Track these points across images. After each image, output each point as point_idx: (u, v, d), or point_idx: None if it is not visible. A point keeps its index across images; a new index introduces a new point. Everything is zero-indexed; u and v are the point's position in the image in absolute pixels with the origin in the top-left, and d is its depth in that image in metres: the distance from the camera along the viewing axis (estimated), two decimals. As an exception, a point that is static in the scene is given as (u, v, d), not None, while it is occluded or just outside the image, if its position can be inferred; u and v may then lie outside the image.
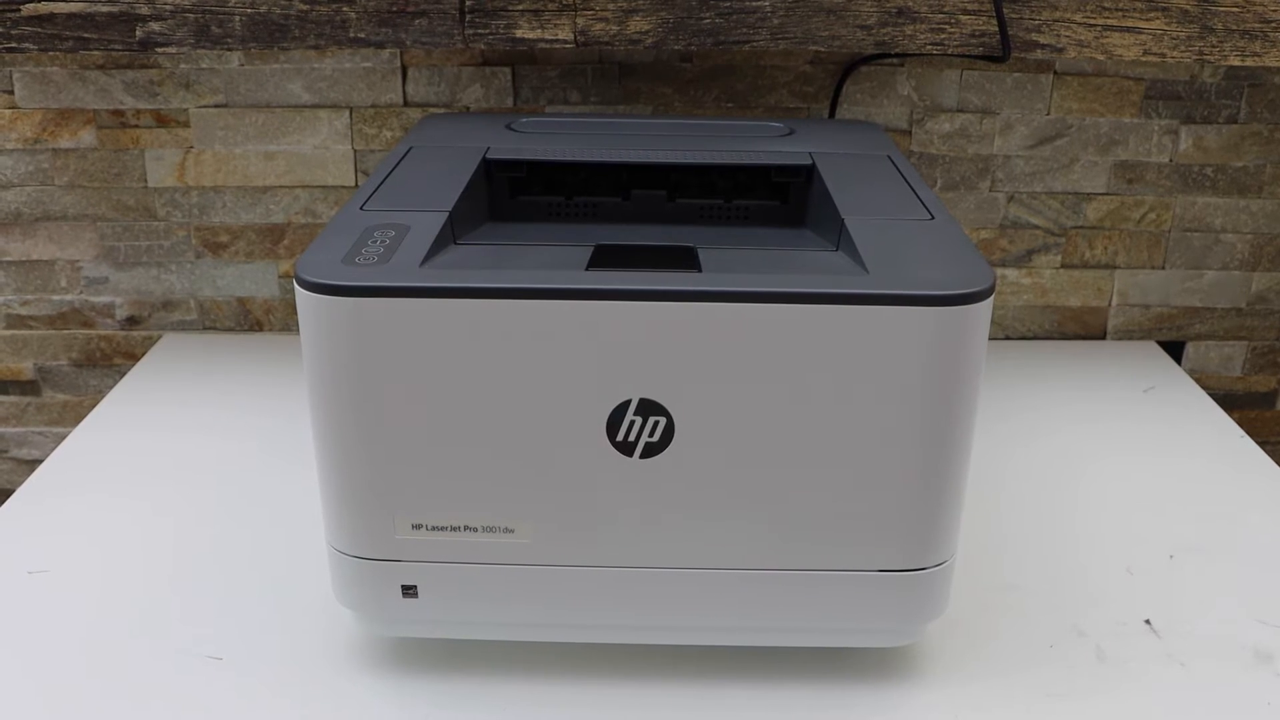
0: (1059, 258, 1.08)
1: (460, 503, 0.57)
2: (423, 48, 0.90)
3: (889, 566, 0.59)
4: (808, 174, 0.70)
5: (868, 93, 1.01)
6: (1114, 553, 0.76)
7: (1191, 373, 1.12)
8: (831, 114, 1.01)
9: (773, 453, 0.56)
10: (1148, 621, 0.69)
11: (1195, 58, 0.90)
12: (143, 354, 1.06)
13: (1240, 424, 0.96)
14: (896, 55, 0.98)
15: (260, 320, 1.10)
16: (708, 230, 0.70)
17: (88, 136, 1.01)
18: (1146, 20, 0.88)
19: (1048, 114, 1.02)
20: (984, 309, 0.53)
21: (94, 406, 0.95)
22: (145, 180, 1.03)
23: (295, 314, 1.06)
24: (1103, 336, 1.11)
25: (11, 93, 1.00)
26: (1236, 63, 0.90)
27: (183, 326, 1.09)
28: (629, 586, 0.59)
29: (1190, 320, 1.11)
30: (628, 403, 0.54)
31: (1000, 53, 0.89)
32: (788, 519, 0.57)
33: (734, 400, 0.54)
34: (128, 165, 1.02)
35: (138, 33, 0.87)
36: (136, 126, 1.01)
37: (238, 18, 0.87)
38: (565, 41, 0.88)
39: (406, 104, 1.01)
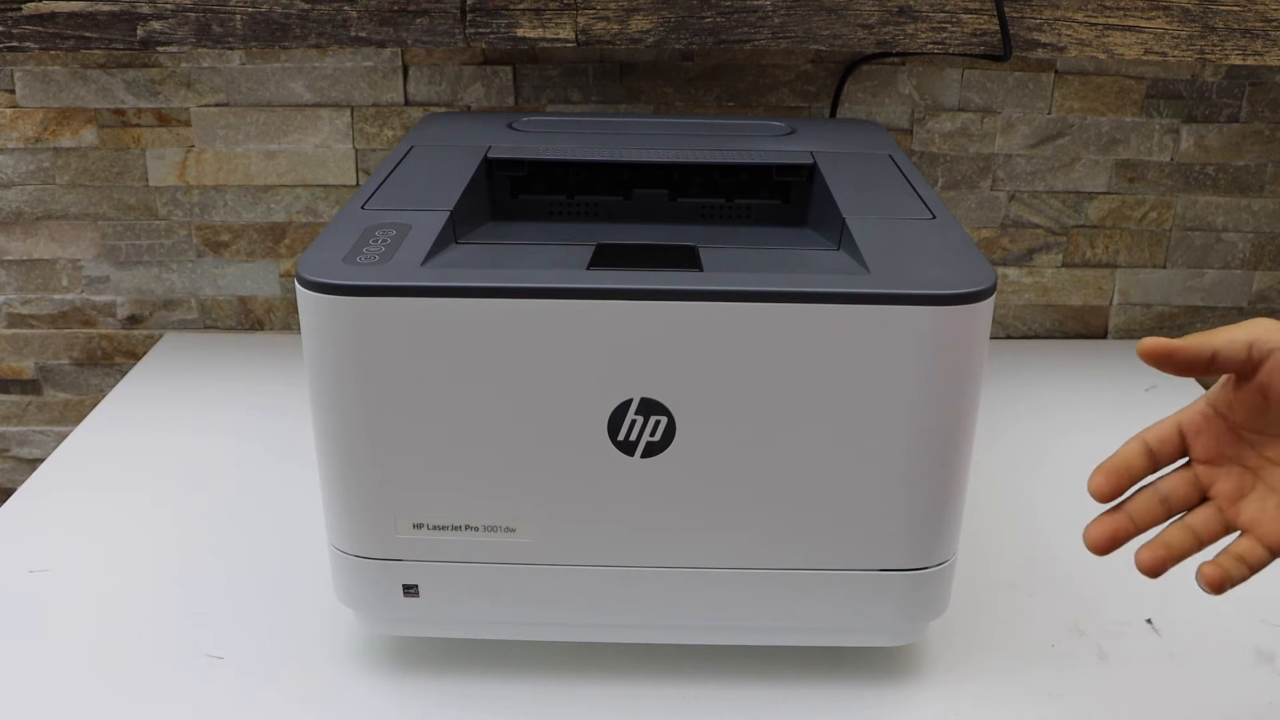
0: (1060, 257, 1.08)
1: (461, 502, 0.57)
2: (424, 47, 0.90)
3: (890, 566, 0.59)
4: (809, 173, 0.70)
5: (869, 92, 1.01)
6: (1115, 552, 0.76)
7: (1193, 372, 1.11)
8: (833, 113, 1.01)
9: (773, 452, 0.56)
10: (1149, 621, 0.69)
11: (1196, 57, 0.90)
12: (144, 353, 1.06)
13: (1241, 423, 0.95)
14: (898, 54, 0.98)
15: (261, 319, 1.10)
16: (709, 229, 0.70)
17: (89, 135, 1.01)
18: (1148, 19, 0.88)
19: (1049, 113, 1.02)
20: (985, 308, 0.53)
21: (95, 405, 0.95)
22: (146, 179, 1.03)
23: (296, 313, 1.06)
24: (1104, 335, 1.11)
25: (13, 92, 1.00)
26: (1238, 62, 0.90)
27: (184, 325, 1.09)
28: (630, 586, 0.59)
29: (1192, 319, 1.11)
30: (629, 402, 0.54)
31: (1001, 52, 0.89)
32: (788, 518, 0.57)
33: (735, 400, 0.54)
34: (129, 164, 1.02)
35: (139, 32, 0.87)
36: (138, 125, 1.01)
37: (239, 17, 0.87)
38: (566, 40, 0.88)
39: (408, 103, 1.01)
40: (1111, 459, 0.52)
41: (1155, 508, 0.52)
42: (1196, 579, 0.50)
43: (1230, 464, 0.51)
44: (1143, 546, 0.51)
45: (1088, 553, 0.51)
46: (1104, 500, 0.52)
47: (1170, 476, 0.52)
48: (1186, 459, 0.53)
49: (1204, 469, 0.52)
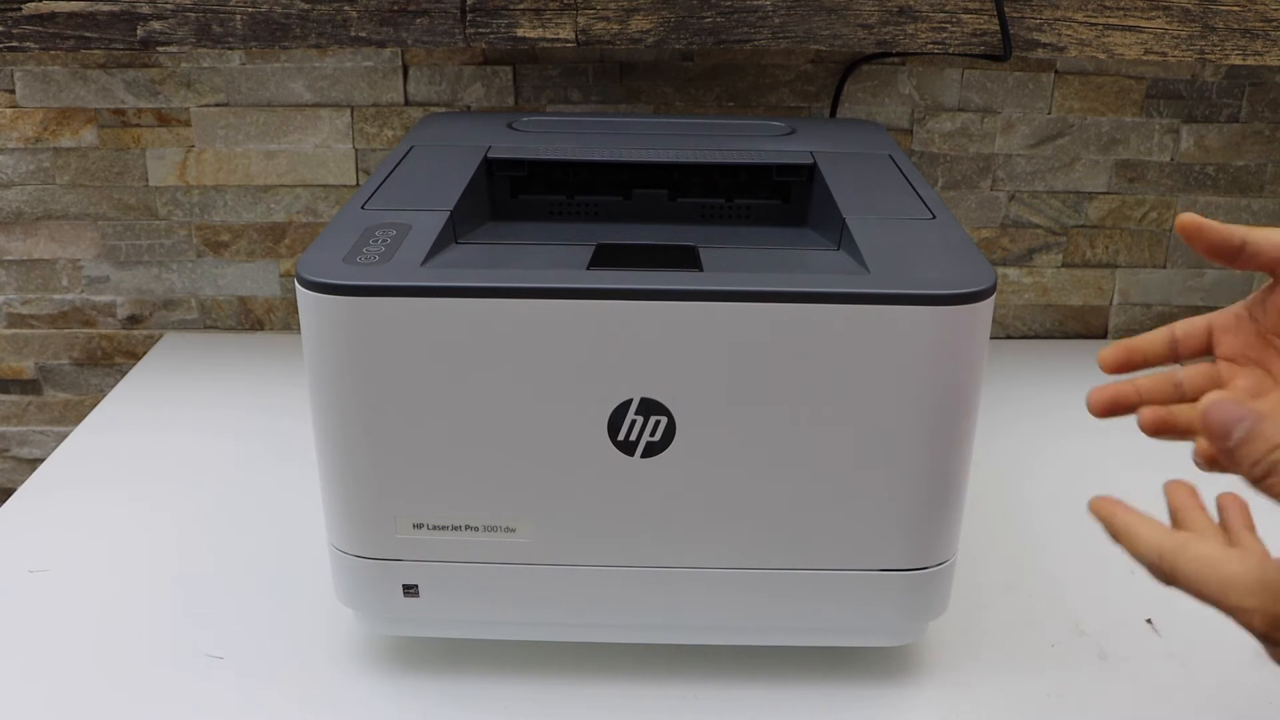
0: (1060, 257, 1.08)
1: (461, 502, 0.57)
2: (424, 46, 0.90)
3: (890, 566, 0.59)
4: (809, 173, 0.70)
5: (869, 92, 1.01)
6: (1115, 552, 0.76)
7: (1193, 372, 1.12)
8: (833, 113, 1.01)
9: (773, 452, 0.56)
10: (1149, 621, 0.69)
11: (1196, 57, 0.90)
12: (144, 353, 1.06)
13: (1241, 423, 0.95)
14: (898, 54, 0.98)
15: (261, 319, 1.10)
16: (709, 229, 0.70)
17: (89, 135, 1.01)
18: (1148, 19, 0.88)
19: (1049, 113, 1.02)
20: (985, 308, 0.53)
21: (95, 405, 0.95)
22: (146, 179, 1.03)
23: (296, 313, 1.06)
24: (1104, 335, 1.11)
25: (13, 92, 1.00)
26: (1238, 62, 0.90)
27: (184, 325, 1.09)
28: (630, 586, 0.59)
29: (1191, 319, 1.11)
30: (629, 402, 0.54)
31: (1001, 52, 0.89)
32: (788, 518, 0.57)
33: (735, 400, 0.54)
34: (129, 164, 1.02)
35: (139, 32, 0.87)
36: (138, 125, 1.01)
37: (239, 17, 0.87)
38: (566, 40, 0.88)
39: (408, 103, 1.01)
40: (1132, 338, 0.51)
41: (1166, 388, 0.51)
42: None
43: (1253, 365, 0.51)
44: (1147, 406, 0.50)
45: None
46: (1108, 370, 0.51)
47: (1190, 368, 0.51)
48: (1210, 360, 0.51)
49: (1226, 366, 0.51)
